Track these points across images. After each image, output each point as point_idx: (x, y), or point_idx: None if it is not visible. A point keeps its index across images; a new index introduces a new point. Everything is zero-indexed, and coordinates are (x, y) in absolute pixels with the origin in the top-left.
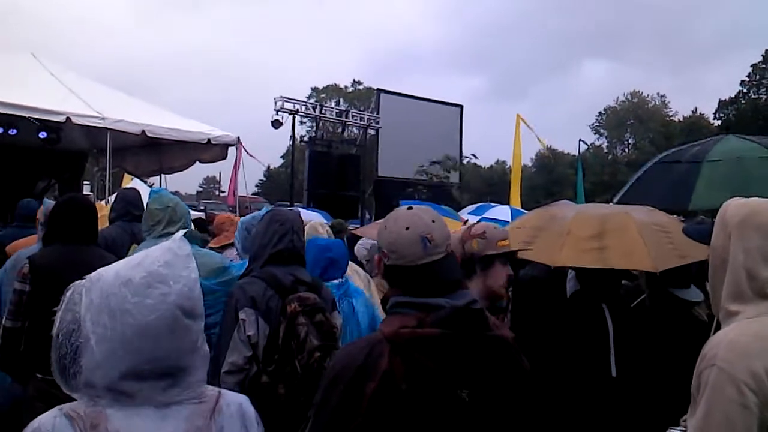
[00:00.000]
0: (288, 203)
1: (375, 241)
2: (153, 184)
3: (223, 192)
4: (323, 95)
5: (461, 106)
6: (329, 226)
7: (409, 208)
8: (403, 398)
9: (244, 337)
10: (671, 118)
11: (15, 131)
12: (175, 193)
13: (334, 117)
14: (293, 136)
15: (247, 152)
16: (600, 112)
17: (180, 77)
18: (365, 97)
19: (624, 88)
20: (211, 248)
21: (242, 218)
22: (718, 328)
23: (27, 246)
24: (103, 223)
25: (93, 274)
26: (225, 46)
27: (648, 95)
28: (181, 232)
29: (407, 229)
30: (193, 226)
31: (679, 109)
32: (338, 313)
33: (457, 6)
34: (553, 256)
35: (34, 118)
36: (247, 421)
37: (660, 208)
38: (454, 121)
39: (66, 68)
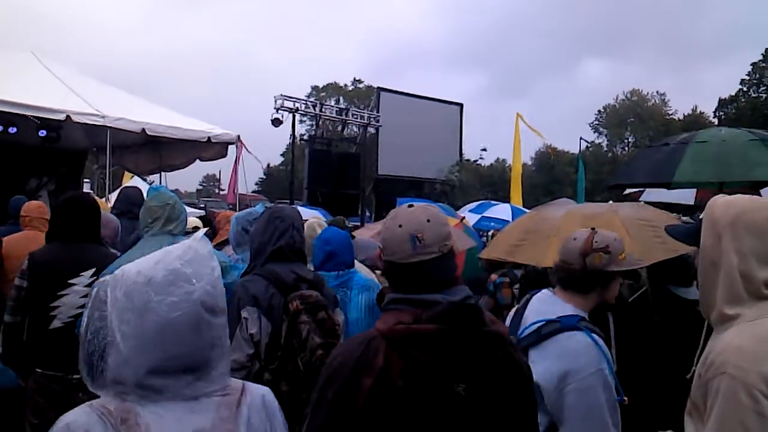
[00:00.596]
0: (288, 201)
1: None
2: (153, 182)
3: (223, 190)
4: (323, 94)
5: (461, 105)
6: (328, 224)
7: (410, 206)
8: (399, 394)
9: (247, 335)
10: (671, 116)
11: (15, 129)
12: (175, 191)
13: (334, 115)
14: (293, 135)
15: (248, 150)
16: (599, 110)
17: (180, 76)
18: (365, 96)
19: (624, 86)
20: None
21: (236, 214)
22: (710, 330)
23: (18, 241)
24: None
25: (117, 270)
26: (225, 45)
27: (648, 93)
28: (203, 230)
29: (400, 227)
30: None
31: (679, 107)
32: (340, 310)
33: (457, 4)
34: (541, 258)
35: (34, 117)
36: (270, 413)
37: (645, 183)
38: (455, 119)
39: (66, 67)
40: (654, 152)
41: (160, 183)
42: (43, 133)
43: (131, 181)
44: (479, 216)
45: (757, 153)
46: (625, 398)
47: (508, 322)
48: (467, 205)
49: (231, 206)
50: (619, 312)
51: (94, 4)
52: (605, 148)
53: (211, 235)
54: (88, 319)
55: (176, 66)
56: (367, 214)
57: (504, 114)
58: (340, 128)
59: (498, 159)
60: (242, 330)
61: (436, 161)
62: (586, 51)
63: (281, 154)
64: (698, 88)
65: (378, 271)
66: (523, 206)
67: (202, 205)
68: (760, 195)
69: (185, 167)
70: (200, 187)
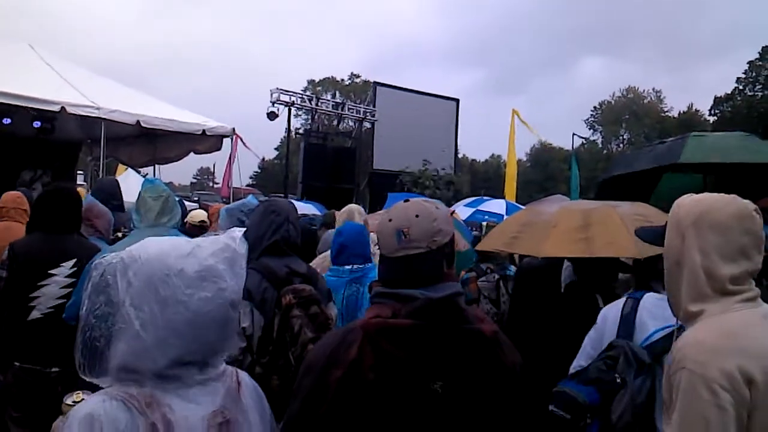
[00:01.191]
0: (282, 195)
1: None
2: (147, 174)
3: (217, 183)
4: (319, 88)
5: (457, 100)
6: (323, 217)
7: (406, 201)
8: (369, 387)
9: (239, 328)
10: (666, 113)
11: (9, 121)
12: (169, 184)
13: (329, 109)
14: (288, 128)
15: (244, 144)
16: (595, 107)
17: (176, 69)
18: (362, 91)
19: (620, 84)
20: None
21: (227, 206)
22: (681, 330)
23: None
24: None
25: (125, 255)
26: (222, 38)
27: (644, 91)
28: (241, 230)
29: (390, 221)
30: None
31: (675, 105)
32: (333, 304)
33: (456, 1)
34: (539, 248)
35: (29, 108)
36: (259, 395)
37: (649, 168)
38: (450, 115)
39: (62, 58)
40: (652, 148)
41: (154, 175)
42: (37, 124)
43: (125, 173)
44: (473, 210)
45: (754, 144)
46: None
47: (611, 329)
48: (461, 201)
49: (225, 199)
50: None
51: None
52: (600, 145)
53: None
54: (90, 303)
55: (172, 59)
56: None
57: (500, 110)
58: (335, 122)
59: (493, 155)
60: (239, 318)
61: (431, 157)
62: (583, 49)
63: (276, 148)
64: (694, 86)
65: None
66: (517, 202)
67: (196, 198)
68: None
69: (179, 160)
70: (194, 180)
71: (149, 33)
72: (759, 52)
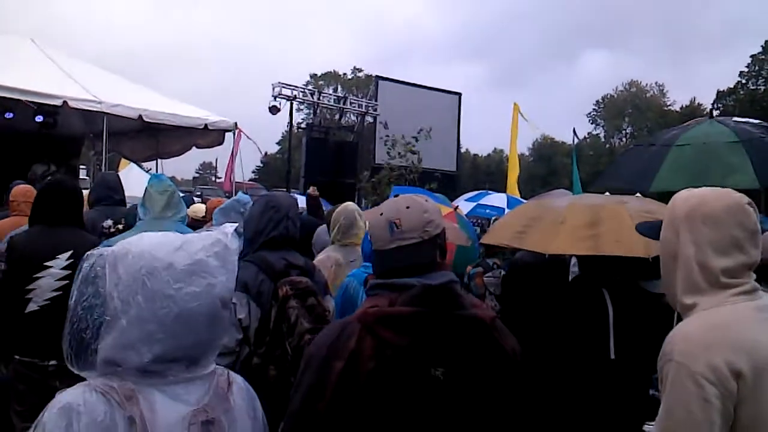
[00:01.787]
0: (284, 189)
1: None
2: (150, 169)
3: (220, 178)
4: (322, 82)
5: (460, 94)
6: (328, 213)
7: (396, 196)
8: (371, 377)
9: (235, 320)
10: (669, 107)
11: (11, 115)
12: (171, 178)
13: (331, 104)
14: (290, 123)
15: (248, 137)
16: (597, 101)
17: (178, 63)
18: (364, 85)
19: (623, 78)
20: None
21: (221, 206)
22: (680, 320)
23: (3, 227)
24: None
25: (117, 247)
26: (224, 33)
27: (646, 85)
28: (233, 225)
29: (381, 214)
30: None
31: (677, 99)
32: (330, 297)
33: None
34: (547, 245)
35: (31, 102)
36: (251, 396)
37: (624, 190)
38: (453, 109)
39: (64, 53)
40: (638, 154)
41: (157, 170)
42: (39, 118)
43: (127, 167)
44: (474, 204)
45: (735, 158)
46: None
47: None
48: (463, 195)
49: (227, 194)
50: (618, 298)
51: None
52: (603, 139)
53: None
54: (79, 294)
55: (174, 54)
56: (364, 203)
57: (503, 105)
58: (337, 117)
59: (495, 149)
60: (231, 315)
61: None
62: (586, 42)
63: (277, 143)
64: (697, 80)
65: None
66: (520, 197)
67: (198, 193)
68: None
69: (182, 154)
70: (196, 175)
71: (151, 28)
72: (762, 46)
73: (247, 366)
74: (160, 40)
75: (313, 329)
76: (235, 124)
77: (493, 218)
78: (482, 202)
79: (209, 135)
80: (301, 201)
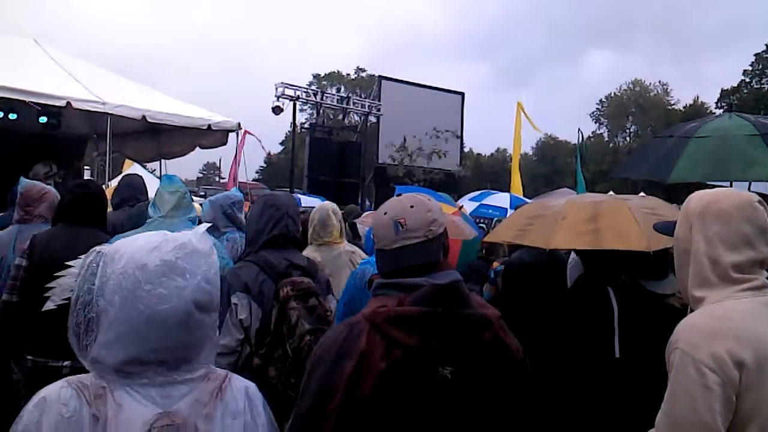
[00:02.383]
0: (288, 189)
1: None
2: (154, 170)
3: (224, 178)
4: (325, 82)
5: (462, 94)
6: (343, 213)
7: (399, 195)
8: (381, 377)
9: (236, 320)
10: (673, 106)
11: (15, 116)
12: None
13: (335, 104)
14: (294, 123)
15: (255, 137)
16: (601, 100)
17: (181, 64)
18: (368, 85)
19: (627, 78)
20: None
21: (211, 197)
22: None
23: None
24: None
25: (112, 246)
26: (228, 33)
27: (650, 84)
28: (205, 226)
29: (385, 214)
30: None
31: (681, 98)
32: (332, 297)
33: None
34: (548, 240)
35: (35, 103)
36: (252, 403)
37: (644, 180)
38: (456, 108)
39: (67, 53)
40: (658, 145)
41: (160, 170)
42: (43, 119)
43: (131, 168)
44: (478, 204)
45: (756, 151)
46: None
47: None
48: (467, 195)
49: None
50: (623, 297)
51: None
52: (606, 138)
53: None
54: (78, 290)
55: (178, 55)
56: (367, 203)
57: (506, 104)
58: (341, 116)
59: (498, 149)
60: (232, 316)
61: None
62: (589, 41)
63: (281, 143)
64: (701, 78)
65: None
66: (524, 196)
67: (202, 193)
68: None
69: (185, 155)
70: (200, 175)
71: (155, 28)
72: (766, 44)
73: (248, 367)
74: (164, 41)
75: (313, 330)
76: (239, 124)
77: (496, 219)
78: (485, 202)
79: (213, 135)
80: (307, 201)
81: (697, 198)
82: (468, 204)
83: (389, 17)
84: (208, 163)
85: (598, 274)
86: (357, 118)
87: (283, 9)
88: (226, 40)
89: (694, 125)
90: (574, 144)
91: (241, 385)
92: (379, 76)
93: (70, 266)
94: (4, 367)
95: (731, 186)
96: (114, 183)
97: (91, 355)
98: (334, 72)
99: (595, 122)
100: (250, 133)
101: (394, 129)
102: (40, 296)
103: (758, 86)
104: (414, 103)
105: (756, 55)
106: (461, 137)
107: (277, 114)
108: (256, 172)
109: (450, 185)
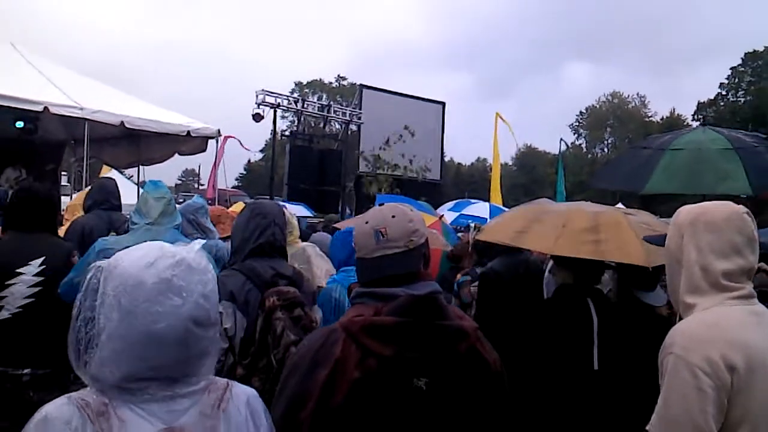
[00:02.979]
0: (268, 197)
1: None
2: (131, 176)
3: (203, 185)
4: (306, 90)
5: (443, 104)
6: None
7: (381, 204)
8: (354, 386)
9: (221, 329)
10: (650, 118)
11: None
12: None
13: (315, 112)
14: (274, 130)
15: (241, 144)
16: (581, 112)
17: (162, 70)
18: (349, 93)
19: (605, 90)
20: None
21: (180, 207)
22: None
23: None
24: (78, 212)
25: (111, 260)
26: (209, 40)
27: (628, 96)
28: (200, 242)
29: (366, 223)
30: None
31: (659, 110)
32: (318, 307)
33: (444, 6)
34: (550, 246)
35: (11, 107)
36: (254, 412)
37: (619, 190)
38: (437, 118)
39: (45, 58)
40: (633, 156)
41: (138, 177)
42: (20, 124)
43: (109, 174)
44: (457, 214)
45: (729, 165)
46: None
47: None
48: (445, 204)
49: (210, 201)
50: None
51: (82, 2)
52: (585, 149)
53: None
54: (80, 305)
55: (158, 61)
56: (348, 211)
57: (487, 114)
58: (321, 124)
59: (479, 158)
60: (218, 329)
61: (417, 160)
62: (569, 54)
63: (261, 150)
64: (678, 91)
65: None
66: (503, 205)
67: (181, 200)
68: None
69: (164, 161)
70: (179, 182)
71: (135, 35)
72: (742, 58)
73: (231, 376)
74: (144, 47)
75: (298, 341)
76: (218, 131)
77: (473, 224)
78: (465, 212)
79: (192, 142)
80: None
81: (687, 210)
82: (448, 214)
83: (372, 26)
84: (186, 169)
85: (579, 285)
86: (338, 126)
87: (266, 17)
88: (208, 47)
89: (668, 137)
90: (554, 154)
91: (242, 394)
92: (360, 84)
93: (20, 273)
94: None
95: (704, 199)
96: None
97: (91, 372)
98: (316, 80)
99: (575, 133)
100: (231, 137)
101: (375, 138)
102: None
103: (734, 99)
104: (395, 112)
105: (732, 68)
106: (441, 147)
107: (257, 121)
108: (236, 179)
109: (430, 194)
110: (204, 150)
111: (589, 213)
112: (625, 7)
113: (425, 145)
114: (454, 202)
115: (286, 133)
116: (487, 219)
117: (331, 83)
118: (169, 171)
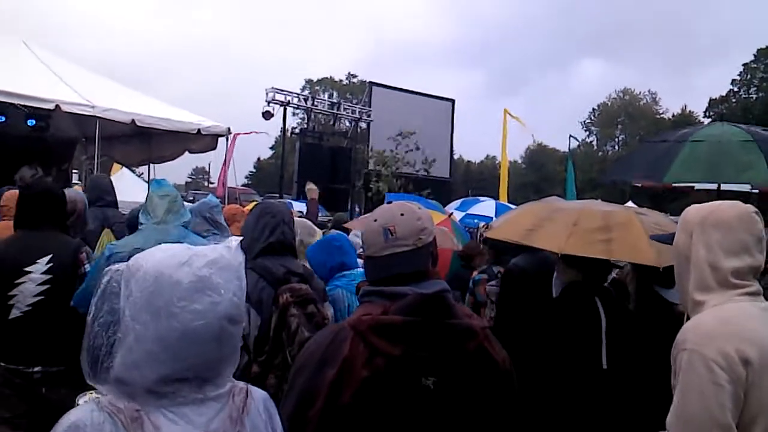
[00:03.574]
0: (277, 195)
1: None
2: (142, 173)
3: (213, 183)
4: (317, 87)
5: (453, 101)
6: (333, 220)
7: (389, 202)
8: (363, 385)
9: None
10: (661, 115)
11: (3, 118)
12: None
13: (325, 109)
14: (284, 128)
15: (257, 132)
16: (593, 109)
17: (173, 68)
18: (359, 91)
19: (616, 86)
20: None
21: (192, 206)
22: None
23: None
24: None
25: (132, 262)
26: (221, 38)
27: (639, 93)
28: (236, 239)
29: (375, 221)
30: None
31: (670, 107)
32: (329, 304)
33: (455, 2)
34: (560, 245)
35: (23, 106)
36: (270, 415)
37: (638, 180)
38: (446, 115)
39: (56, 56)
40: (650, 149)
41: (149, 175)
42: (32, 122)
43: (119, 172)
44: (464, 213)
45: (750, 156)
46: None
47: None
48: (452, 203)
49: (220, 199)
50: (610, 307)
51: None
52: (595, 147)
53: None
54: (96, 310)
55: (169, 59)
56: (357, 209)
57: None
58: (331, 122)
59: (488, 156)
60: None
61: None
62: (580, 51)
63: (271, 147)
64: (689, 88)
65: None
66: (511, 203)
67: (191, 198)
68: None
69: (174, 159)
70: (189, 180)
71: (146, 33)
72: (754, 54)
73: (247, 374)
74: (155, 45)
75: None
76: (228, 129)
77: (482, 224)
78: (471, 211)
79: (202, 140)
80: (299, 207)
81: (696, 209)
82: (455, 214)
83: (383, 24)
84: (197, 167)
85: (587, 284)
86: (347, 123)
87: (278, 14)
88: (219, 45)
89: (687, 130)
90: (564, 152)
91: (259, 397)
92: (370, 82)
93: (29, 272)
94: None
95: (719, 188)
96: None
97: (116, 376)
98: (326, 77)
99: (586, 131)
100: (255, 132)
101: (384, 135)
102: (5, 304)
103: (746, 96)
104: (404, 110)
105: (744, 65)
106: (451, 144)
107: (267, 119)
108: (246, 178)
109: (439, 192)
110: (214, 148)
111: (600, 212)
112: (636, 4)
113: (434, 142)
114: (461, 200)
115: (297, 130)
116: (493, 218)
117: (341, 81)
118: (179, 169)
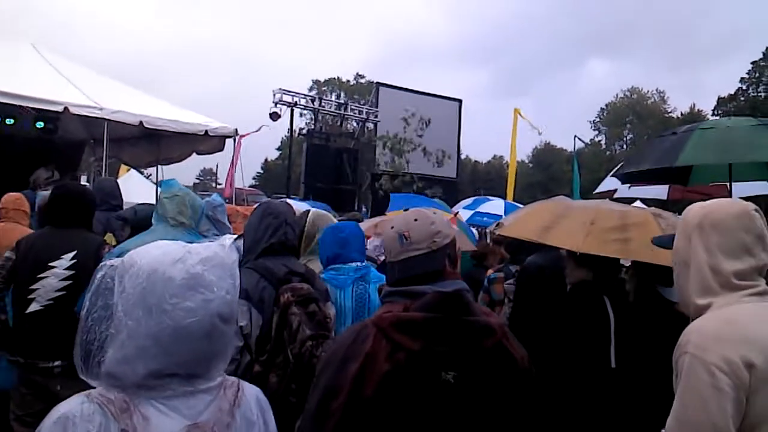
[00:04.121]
0: (284, 196)
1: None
2: (150, 174)
3: (220, 184)
4: (324, 88)
5: (460, 101)
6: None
7: (405, 209)
8: (384, 379)
9: (236, 328)
10: (670, 114)
11: (12, 121)
12: None
13: (332, 110)
14: (291, 129)
15: (268, 126)
16: (602, 108)
17: (180, 69)
18: (367, 91)
19: (624, 85)
20: None
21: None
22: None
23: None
24: None
25: (126, 258)
26: (228, 39)
27: (647, 92)
28: (231, 237)
29: (392, 228)
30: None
31: (678, 106)
32: (331, 303)
33: (463, 2)
34: (578, 243)
35: (32, 108)
36: (263, 409)
37: (650, 167)
38: (453, 115)
39: (65, 58)
40: (660, 142)
41: (157, 176)
42: (40, 124)
43: (127, 174)
44: (472, 212)
45: (762, 136)
46: None
47: None
48: (461, 202)
49: (228, 200)
50: (619, 306)
51: (99, 1)
52: (603, 146)
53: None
54: (90, 305)
55: (176, 60)
56: (364, 209)
57: (504, 112)
58: (338, 123)
59: (495, 156)
60: (236, 328)
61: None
62: (587, 50)
63: (278, 148)
64: (698, 86)
65: None
66: (517, 203)
67: None
68: None
69: (182, 160)
70: (197, 181)
71: (153, 34)
72: (763, 52)
73: (248, 373)
74: (162, 47)
75: (314, 336)
76: (236, 130)
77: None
78: (480, 209)
79: (210, 141)
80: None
81: (694, 210)
82: (463, 212)
83: (391, 24)
84: (204, 169)
85: (597, 283)
86: (355, 124)
87: (285, 15)
88: (225, 46)
89: (695, 124)
90: (571, 152)
91: (252, 392)
92: (377, 82)
93: (53, 267)
94: None
95: (730, 168)
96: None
97: (107, 370)
98: (333, 78)
99: (595, 130)
100: (266, 126)
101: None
102: (25, 298)
103: (755, 94)
104: (411, 110)
105: (753, 63)
106: (458, 144)
107: (274, 120)
108: (253, 178)
109: (446, 192)
110: (222, 149)
111: (617, 212)
112: (644, 2)
113: (442, 142)
114: (472, 199)
115: (304, 131)
116: (502, 217)
117: (348, 81)
118: (187, 170)
